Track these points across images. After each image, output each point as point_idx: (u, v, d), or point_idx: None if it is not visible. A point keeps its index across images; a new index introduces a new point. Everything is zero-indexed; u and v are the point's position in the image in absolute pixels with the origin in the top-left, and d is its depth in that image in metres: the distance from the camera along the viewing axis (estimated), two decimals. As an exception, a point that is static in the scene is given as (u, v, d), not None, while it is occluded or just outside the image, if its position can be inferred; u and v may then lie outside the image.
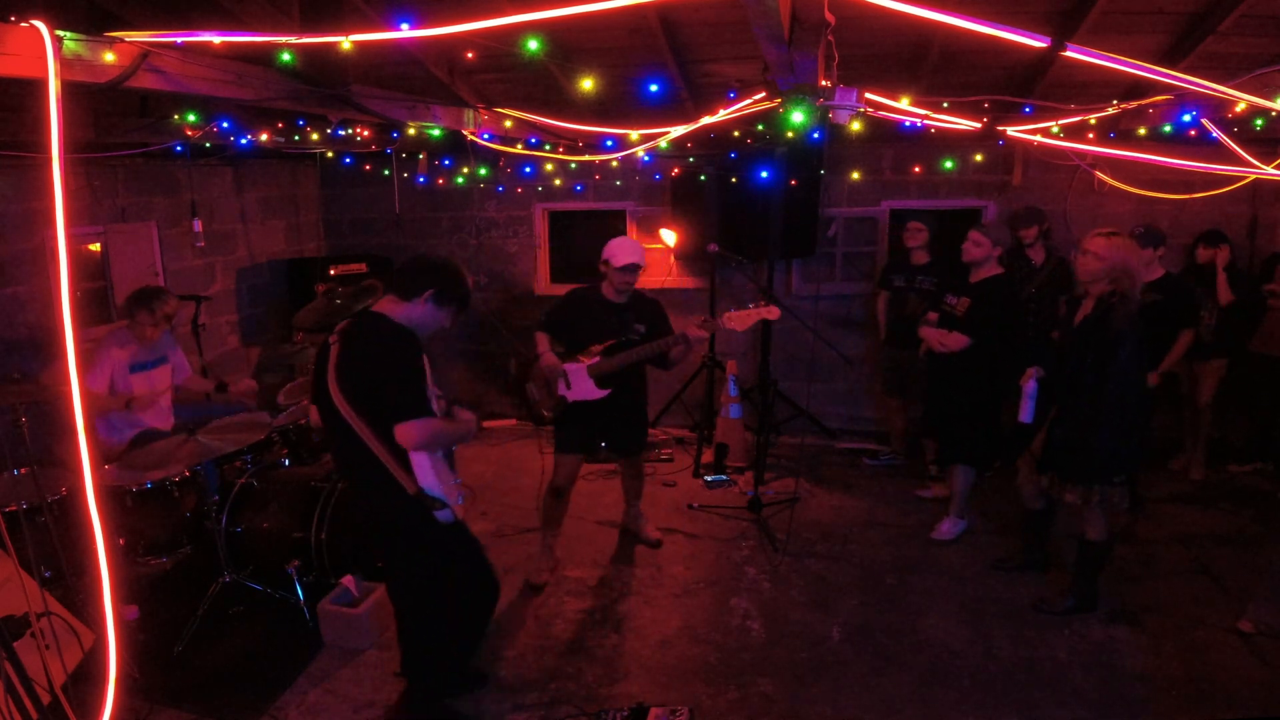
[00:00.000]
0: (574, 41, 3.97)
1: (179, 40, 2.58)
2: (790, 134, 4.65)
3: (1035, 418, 3.83)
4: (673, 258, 6.53)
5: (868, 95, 3.10)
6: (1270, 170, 3.96)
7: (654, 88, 4.11)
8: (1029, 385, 3.81)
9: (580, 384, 4.07)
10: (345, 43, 2.54)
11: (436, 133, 4.62)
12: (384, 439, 2.65)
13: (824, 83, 2.68)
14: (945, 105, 3.84)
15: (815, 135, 4.85)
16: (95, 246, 5.25)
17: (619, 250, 4.01)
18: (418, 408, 2.63)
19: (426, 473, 2.70)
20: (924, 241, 5.25)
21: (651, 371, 4.31)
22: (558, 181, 6.64)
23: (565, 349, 4.15)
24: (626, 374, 4.09)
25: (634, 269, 4.01)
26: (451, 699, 3.28)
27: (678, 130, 4.48)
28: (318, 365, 2.79)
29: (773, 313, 3.97)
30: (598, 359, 4.03)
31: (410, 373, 2.66)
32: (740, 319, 3.95)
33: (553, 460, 4.21)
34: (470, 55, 3.99)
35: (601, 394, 4.07)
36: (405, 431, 2.61)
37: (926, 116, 3.64)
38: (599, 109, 4.76)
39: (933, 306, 4.65)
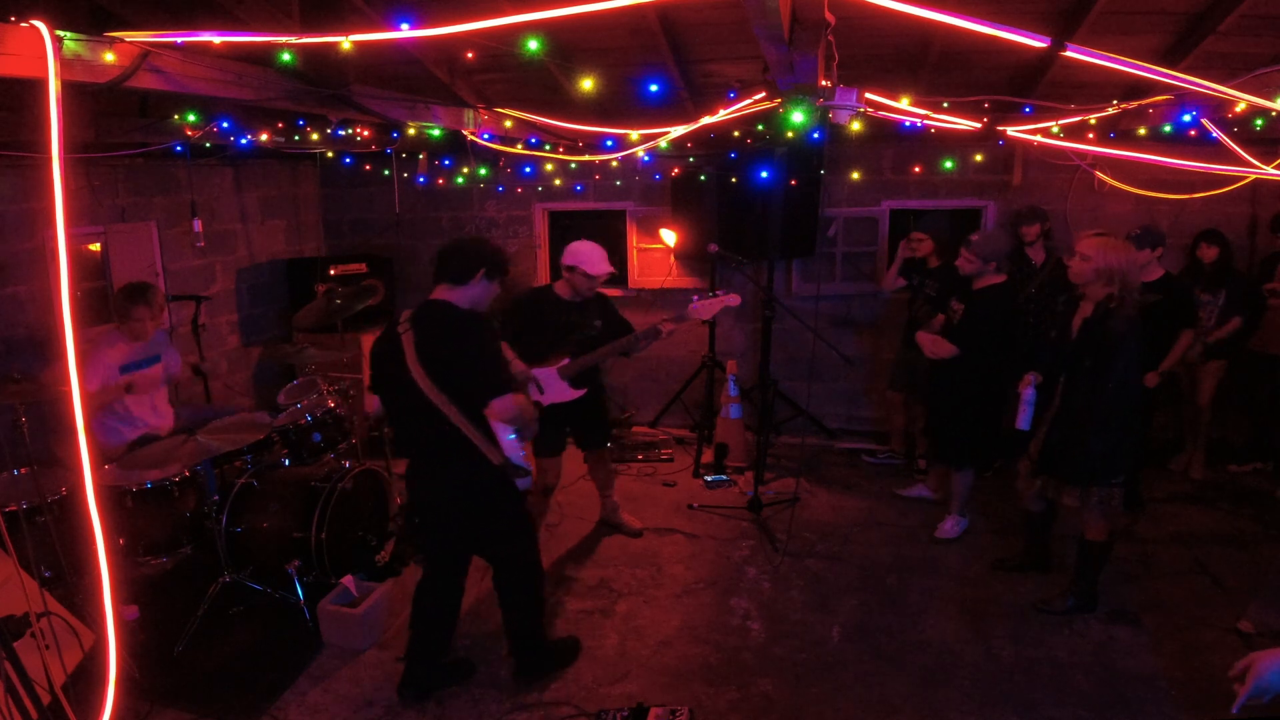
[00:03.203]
0: (574, 41, 3.97)
1: (179, 40, 2.58)
2: (790, 134, 4.65)
3: (1033, 421, 3.82)
4: (673, 258, 6.53)
5: (868, 95, 3.11)
6: (1270, 170, 3.97)
7: (654, 88, 4.11)
8: (1027, 392, 3.80)
9: (553, 387, 4.09)
10: (345, 43, 2.54)
11: (436, 133, 4.63)
12: (470, 416, 2.89)
13: (824, 83, 2.69)
14: (945, 105, 3.85)
15: (815, 135, 4.84)
16: (95, 246, 5.25)
17: (594, 259, 4.07)
18: (507, 384, 2.92)
19: (511, 444, 2.97)
20: (930, 250, 5.26)
21: (652, 371, 4.34)
22: (558, 181, 6.64)
23: (524, 353, 4.03)
24: (591, 371, 4.16)
25: (605, 278, 4.10)
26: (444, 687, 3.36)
27: (678, 130, 4.48)
28: (385, 354, 2.97)
29: (733, 300, 4.09)
30: (567, 360, 4.04)
31: (494, 354, 3.01)
32: (705, 308, 4.02)
33: (536, 464, 4.19)
34: (470, 55, 3.99)
35: (578, 394, 4.11)
36: (499, 406, 2.86)
37: (926, 116, 3.64)
38: (599, 109, 4.76)
39: (940, 310, 4.64)
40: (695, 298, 4.06)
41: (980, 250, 4.22)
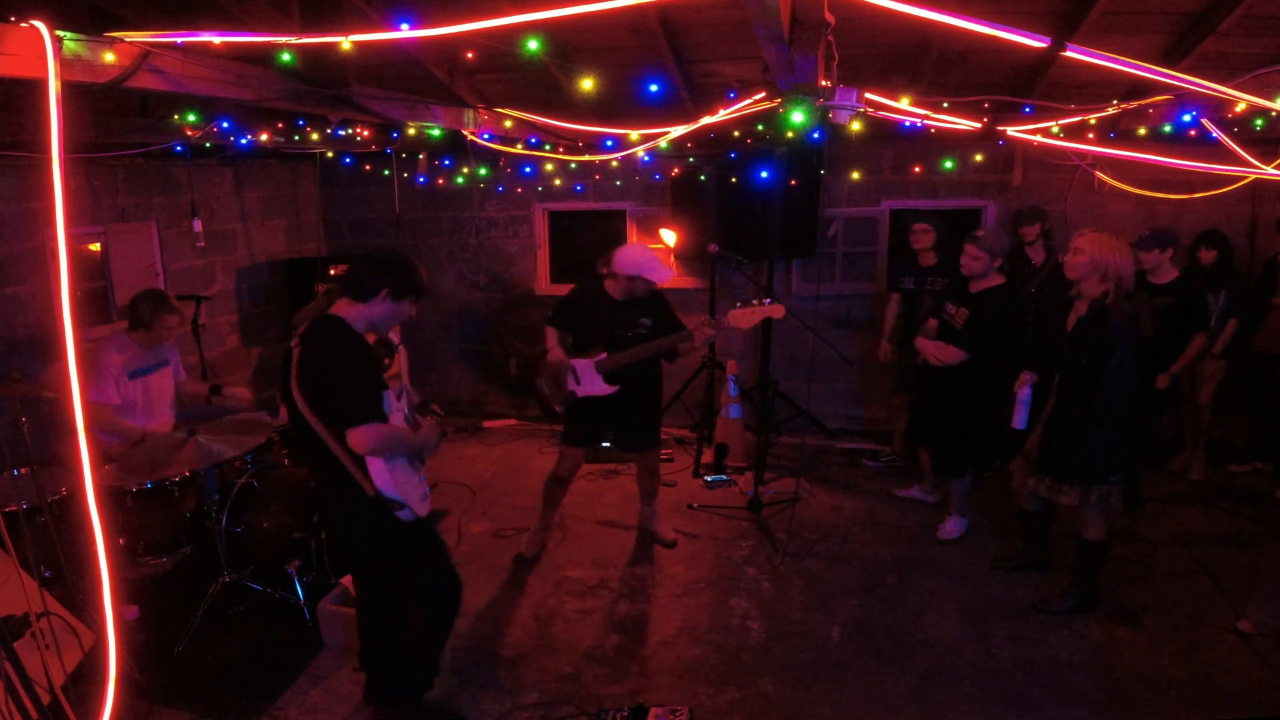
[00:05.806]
0: (574, 41, 3.97)
1: (179, 40, 2.59)
2: (790, 134, 4.65)
3: (1029, 420, 3.82)
4: (672, 258, 6.52)
5: (868, 95, 3.11)
6: (1270, 170, 3.96)
7: (654, 88, 4.12)
8: (1023, 391, 3.81)
9: (589, 380, 4.13)
10: (345, 43, 2.54)
11: (436, 133, 4.63)
12: (341, 441, 2.64)
13: (824, 83, 2.68)
14: (945, 105, 3.85)
15: (815, 135, 4.84)
16: (95, 246, 5.25)
17: (656, 266, 4.04)
18: (368, 412, 2.60)
19: (382, 475, 2.67)
20: (931, 243, 5.20)
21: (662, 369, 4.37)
22: (558, 181, 6.64)
23: (574, 343, 4.23)
24: (637, 370, 4.13)
25: (655, 284, 4.11)
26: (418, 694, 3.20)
27: (678, 130, 4.48)
28: (283, 367, 2.78)
29: (777, 310, 4.00)
30: (604, 355, 4.09)
31: (359, 377, 2.65)
32: (745, 316, 3.98)
33: (558, 451, 4.39)
34: (470, 55, 3.99)
35: (610, 390, 4.12)
36: (355, 436, 2.58)
37: (926, 116, 3.64)
38: (599, 109, 4.76)
39: (935, 311, 4.62)
40: (737, 305, 4.00)
41: (987, 244, 4.17)
